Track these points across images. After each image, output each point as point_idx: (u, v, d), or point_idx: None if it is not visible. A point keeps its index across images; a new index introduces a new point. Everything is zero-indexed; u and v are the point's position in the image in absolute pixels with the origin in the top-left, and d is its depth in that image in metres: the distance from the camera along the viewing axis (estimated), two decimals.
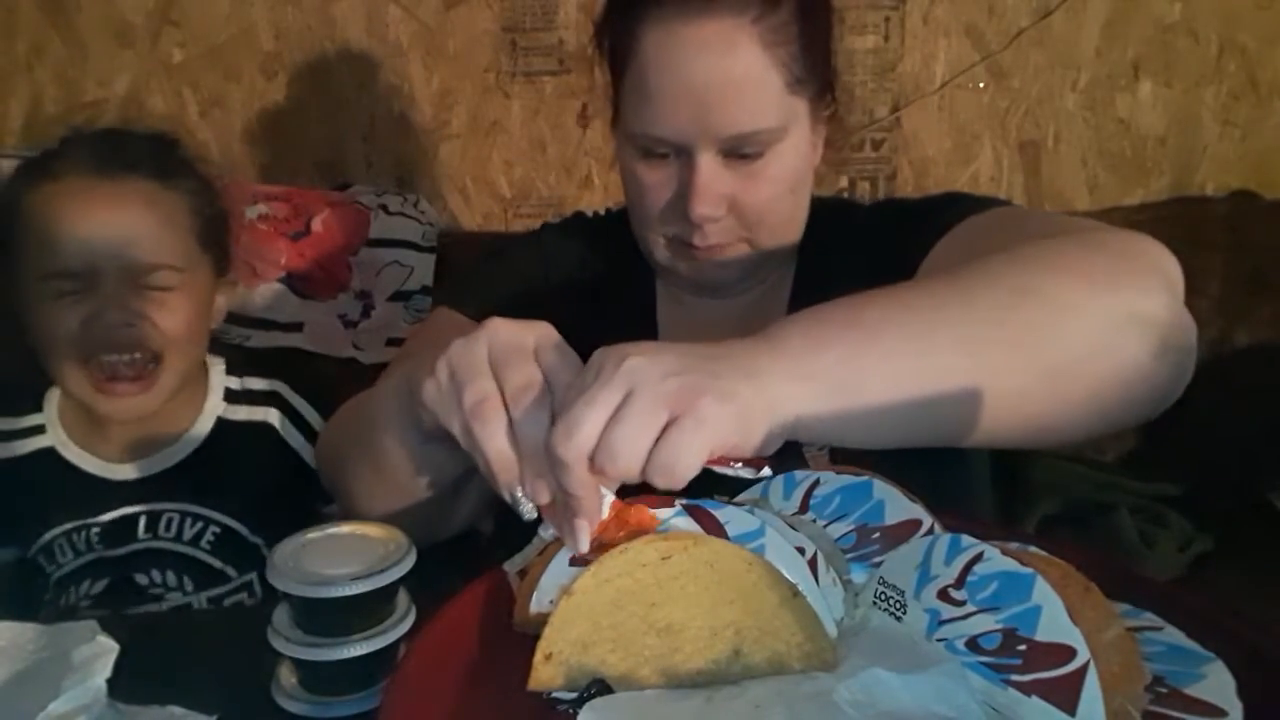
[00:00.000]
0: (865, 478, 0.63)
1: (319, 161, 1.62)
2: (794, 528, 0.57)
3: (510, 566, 0.60)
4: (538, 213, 1.64)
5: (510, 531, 0.61)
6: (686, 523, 0.55)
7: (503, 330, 0.57)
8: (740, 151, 0.77)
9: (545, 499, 0.53)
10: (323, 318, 1.46)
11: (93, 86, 1.58)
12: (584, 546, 0.52)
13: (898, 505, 0.61)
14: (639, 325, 0.89)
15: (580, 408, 0.49)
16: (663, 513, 0.56)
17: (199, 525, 0.97)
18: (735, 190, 0.78)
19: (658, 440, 0.48)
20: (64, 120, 1.55)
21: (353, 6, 1.56)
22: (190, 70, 1.58)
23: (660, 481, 0.49)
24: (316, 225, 1.46)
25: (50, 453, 0.99)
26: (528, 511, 0.55)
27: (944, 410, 0.55)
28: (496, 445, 0.53)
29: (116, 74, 1.57)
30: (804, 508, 0.63)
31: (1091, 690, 0.43)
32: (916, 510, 0.61)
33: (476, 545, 0.96)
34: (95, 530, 0.96)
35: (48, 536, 0.96)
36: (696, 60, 0.74)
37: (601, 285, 0.91)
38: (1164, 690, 0.49)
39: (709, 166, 0.77)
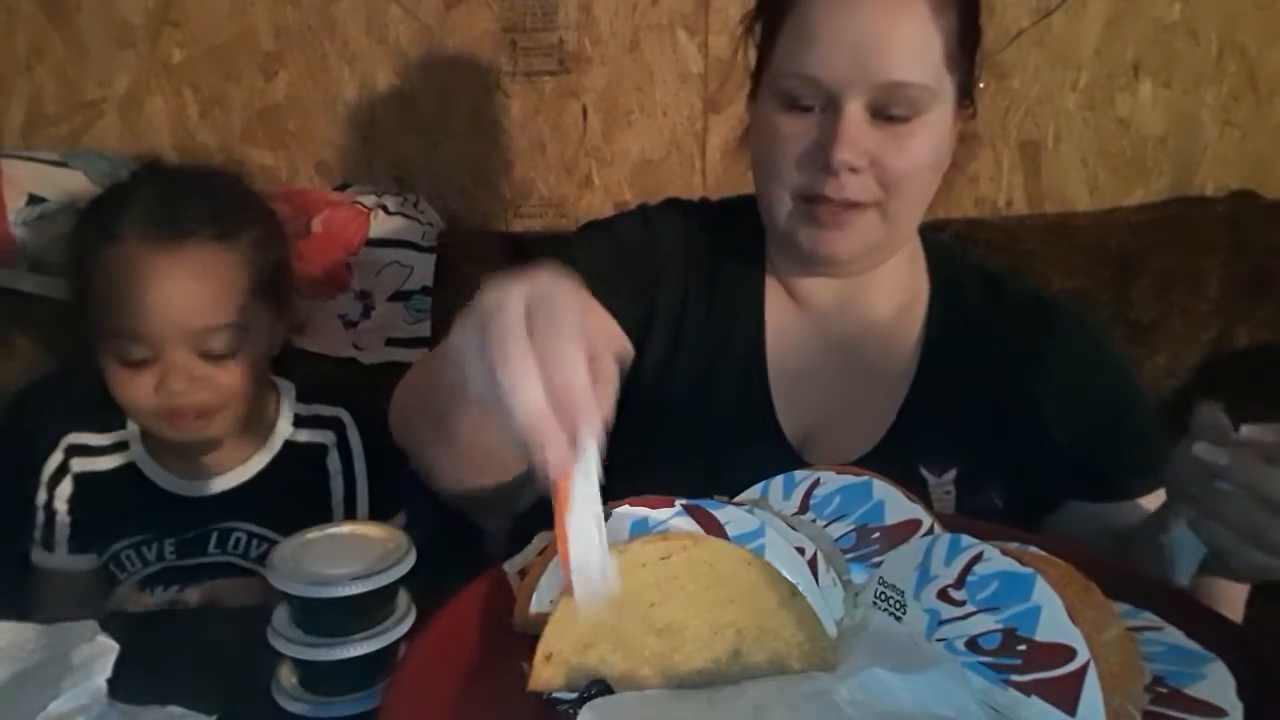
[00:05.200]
0: (865, 478, 0.63)
1: (319, 161, 1.62)
2: (794, 528, 0.57)
3: (510, 566, 0.60)
4: (538, 213, 1.64)
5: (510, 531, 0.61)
6: (686, 523, 0.55)
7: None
8: (888, 110, 0.76)
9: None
10: (323, 318, 1.45)
11: (93, 86, 1.57)
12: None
13: (898, 505, 0.61)
14: (746, 315, 0.89)
15: None
16: (662, 513, 0.56)
17: (265, 546, 1.01)
18: (878, 150, 0.77)
19: None
20: (64, 120, 1.56)
21: (353, 6, 1.55)
22: (190, 70, 1.57)
23: None
24: (316, 225, 1.46)
25: (132, 468, 1.03)
26: None
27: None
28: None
29: (116, 74, 1.57)
30: (804, 508, 0.63)
31: (1091, 690, 0.43)
32: (916, 510, 0.61)
33: (477, 545, 0.96)
34: (170, 543, 1.01)
35: (119, 545, 1.01)
36: (866, 6, 0.76)
37: (708, 268, 0.90)
38: (1164, 690, 0.49)
39: (855, 116, 0.76)
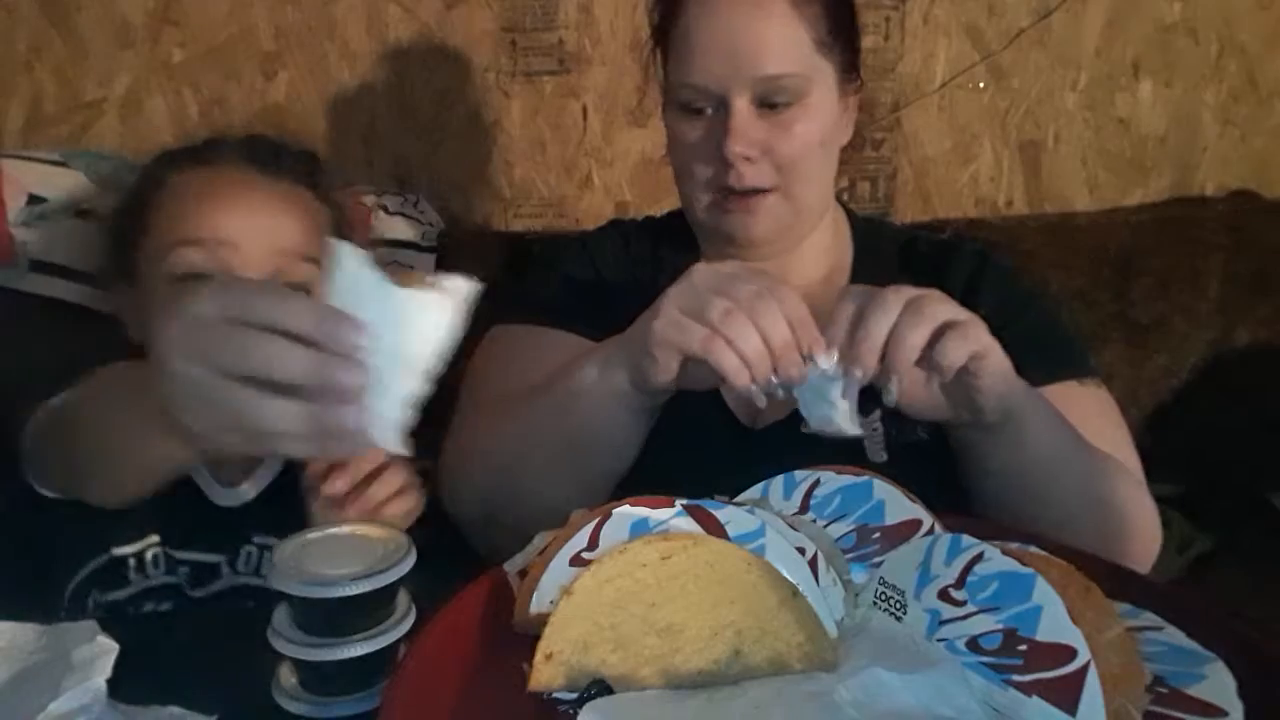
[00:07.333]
0: (865, 478, 0.63)
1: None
2: (794, 528, 0.57)
3: (510, 566, 0.60)
4: (538, 212, 1.64)
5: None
6: (686, 523, 0.55)
7: (703, 269, 0.69)
8: (771, 100, 0.86)
9: (800, 377, 0.66)
10: None
11: (93, 86, 1.58)
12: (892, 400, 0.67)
13: (898, 505, 0.61)
14: None
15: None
16: (663, 513, 0.56)
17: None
18: (768, 138, 0.86)
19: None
20: (64, 120, 1.56)
21: (353, 6, 1.55)
22: (190, 70, 1.58)
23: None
24: None
25: None
26: (778, 394, 0.66)
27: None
28: (753, 344, 0.65)
29: (116, 74, 1.57)
30: (804, 508, 0.63)
31: (1092, 690, 0.43)
32: (916, 510, 0.61)
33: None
34: (184, 569, 0.90)
35: (143, 545, 0.90)
36: (732, 14, 0.85)
37: (650, 281, 0.96)
38: (1164, 690, 0.49)
39: (743, 111, 0.86)
